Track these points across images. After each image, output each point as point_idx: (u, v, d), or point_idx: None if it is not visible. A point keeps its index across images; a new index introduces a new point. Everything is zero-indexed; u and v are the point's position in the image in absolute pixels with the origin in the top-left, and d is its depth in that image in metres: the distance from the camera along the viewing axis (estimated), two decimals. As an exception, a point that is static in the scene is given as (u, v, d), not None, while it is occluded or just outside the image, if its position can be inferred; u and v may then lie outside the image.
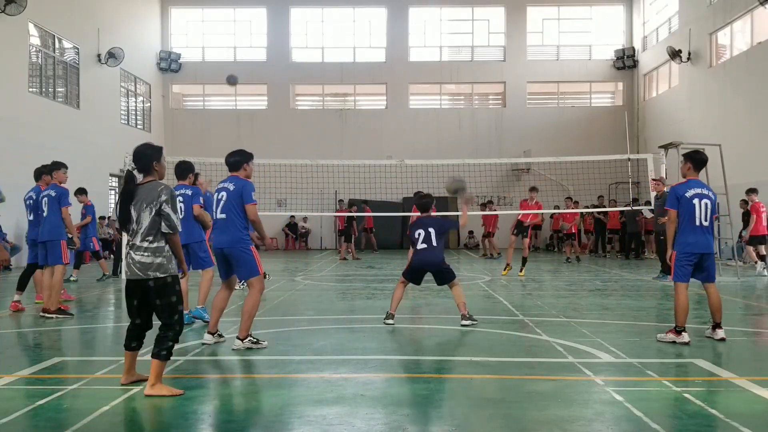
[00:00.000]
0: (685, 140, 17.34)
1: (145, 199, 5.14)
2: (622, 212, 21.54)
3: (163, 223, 5.14)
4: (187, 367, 6.11)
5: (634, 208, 19.20)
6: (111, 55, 23.62)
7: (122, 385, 5.26)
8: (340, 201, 24.91)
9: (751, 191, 16.36)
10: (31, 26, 19.60)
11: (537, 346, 7.00)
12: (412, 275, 8.63)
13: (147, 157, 5.30)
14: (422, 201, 9.02)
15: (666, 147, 15.82)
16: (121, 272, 15.17)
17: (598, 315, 9.26)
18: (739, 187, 18.45)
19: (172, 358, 6.33)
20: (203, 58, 29.99)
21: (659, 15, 27.17)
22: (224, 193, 6.86)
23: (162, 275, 5.11)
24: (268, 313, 9.18)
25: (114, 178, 24.10)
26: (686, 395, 5.02)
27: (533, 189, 15.98)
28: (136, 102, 27.26)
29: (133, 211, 5.16)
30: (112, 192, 23.83)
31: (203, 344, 7.01)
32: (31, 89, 19.72)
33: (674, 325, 7.08)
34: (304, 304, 10.84)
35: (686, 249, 7.09)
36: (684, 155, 7.47)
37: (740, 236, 18.47)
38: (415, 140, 28.02)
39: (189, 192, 8.49)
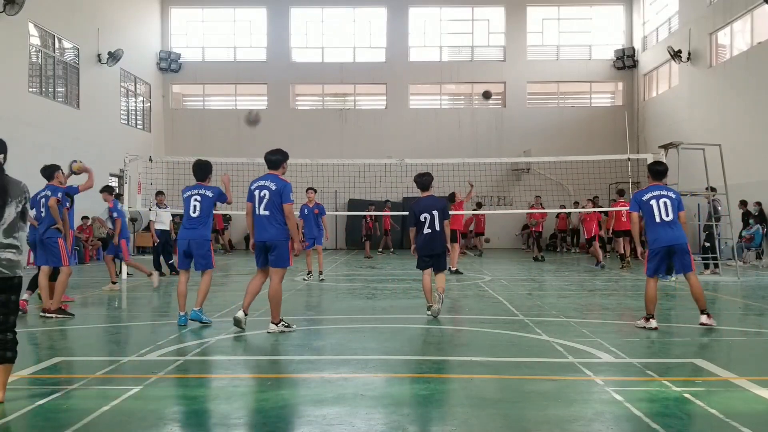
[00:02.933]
0: (685, 140, 17.34)
1: (11, 193, 4.95)
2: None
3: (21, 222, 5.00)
4: (187, 367, 6.11)
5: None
6: (111, 55, 23.63)
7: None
8: (386, 201, 24.05)
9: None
10: (31, 26, 19.60)
11: (537, 346, 7.00)
12: (424, 263, 8.81)
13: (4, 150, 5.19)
14: (423, 179, 8.98)
15: (666, 147, 15.82)
16: (120, 272, 15.15)
17: (598, 315, 9.26)
18: (739, 187, 18.46)
19: (172, 358, 6.36)
20: (203, 58, 29.99)
21: (659, 15, 27.17)
22: (266, 192, 7.50)
23: (22, 274, 4.98)
24: (268, 313, 9.16)
25: (114, 178, 24.09)
26: (686, 395, 5.02)
27: (621, 191, 17.17)
28: (136, 102, 27.26)
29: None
30: (112, 192, 23.81)
31: (235, 319, 7.61)
32: (31, 89, 19.72)
33: (647, 313, 7.86)
34: (304, 304, 10.84)
35: (653, 245, 7.83)
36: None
37: (740, 236, 18.49)
38: (415, 140, 28.01)
39: (209, 193, 8.37)
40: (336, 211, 26.82)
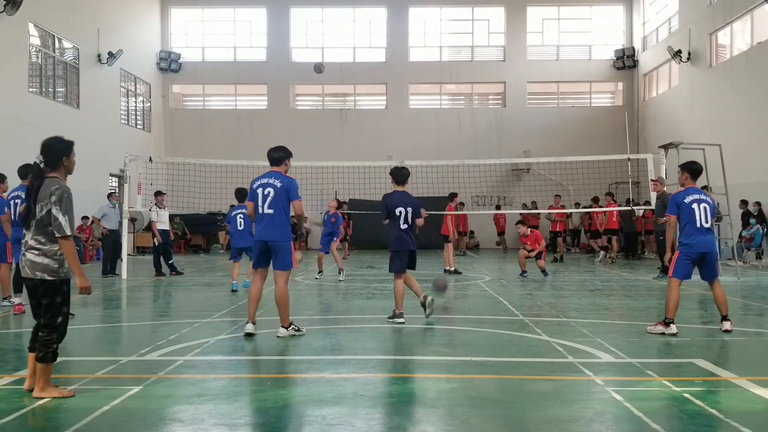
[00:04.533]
0: (685, 140, 17.33)
1: (41, 195, 4.92)
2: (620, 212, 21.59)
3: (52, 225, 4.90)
4: (187, 367, 6.11)
5: (632, 207, 19.21)
6: (111, 55, 23.63)
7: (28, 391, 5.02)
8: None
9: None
10: (31, 26, 19.60)
11: (537, 346, 7.00)
12: (400, 264, 8.50)
13: (57, 152, 5.07)
14: (402, 172, 8.66)
15: (666, 147, 15.82)
16: (120, 271, 15.17)
17: (598, 315, 9.26)
18: (739, 187, 18.46)
19: (172, 358, 6.36)
20: (203, 58, 29.99)
21: (659, 15, 27.17)
22: (271, 189, 7.24)
23: (48, 277, 4.91)
24: (268, 314, 9.16)
25: (114, 178, 24.10)
26: (686, 395, 5.02)
27: (610, 194, 18.27)
28: (136, 102, 27.25)
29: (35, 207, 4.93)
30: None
31: (247, 334, 7.33)
32: (31, 89, 19.72)
33: (664, 317, 7.59)
34: (304, 304, 10.83)
35: (688, 249, 7.54)
36: (681, 166, 7.99)
37: (740, 236, 18.48)
38: (415, 140, 28.02)
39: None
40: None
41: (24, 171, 9.80)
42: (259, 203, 7.28)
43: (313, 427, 4.35)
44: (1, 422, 4.40)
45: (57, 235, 4.88)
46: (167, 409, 4.78)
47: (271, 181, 7.29)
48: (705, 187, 15.93)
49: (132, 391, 5.12)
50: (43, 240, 4.91)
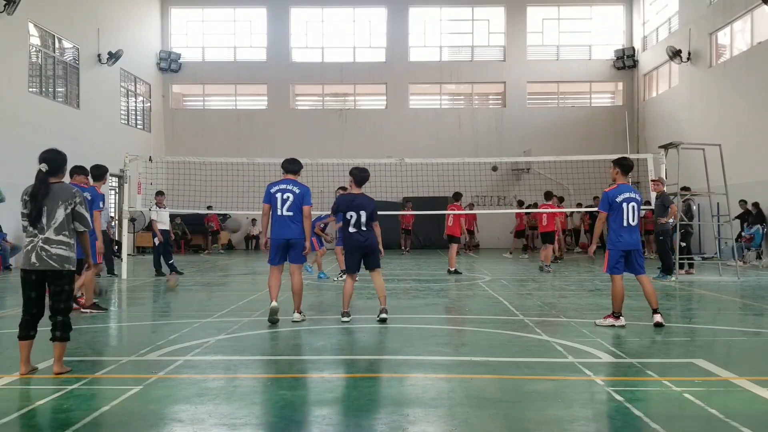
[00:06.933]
0: (685, 140, 17.34)
1: (60, 196, 5.64)
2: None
3: (76, 222, 5.71)
4: (187, 367, 6.11)
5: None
6: (111, 55, 23.63)
7: (22, 375, 5.58)
8: (406, 201, 23.98)
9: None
10: (31, 26, 19.59)
11: (537, 346, 7.00)
12: (351, 263, 8.72)
13: (59, 163, 5.81)
14: (363, 174, 8.71)
15: (666, 147, 15.82)
16: (120, 271, 15.16)
17: (598, 315, 9.24)
18: (739, 187, 18.46)
19: (172, 358, 6.38)
20: (203, 58, 29.99)
21: (659, 15, 27.17)
22: (290, 194, 8.21)
23: (73, 268, 5.73)
24: (266, 314, 9.16)
25: (114, 178, 24.10)
26: (686, 395, 5.02)
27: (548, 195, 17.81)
28: (136, 102, 27.25)
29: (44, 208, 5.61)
30: (113, 192, 23.83)
31: (293, 321, 8.26)
32: (31, 89, 19.71)
33: (612, 311, 8.06)
34: (305, 304, 10.82)
35: (618, 246, 7.98)
36: (613, 161, 8.43)
37: (740, 236, 18.48)
38: (415, 140, 28.01)
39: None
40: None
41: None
42: (278, 206, 8.19)
43: (313, 427, 4.35)
44: (2, 422, 4.40)
45: (83, 229, 5.73)
46: (167, 409, 4.78)
47: (289, 187, 8.25)
48: (686, 188, 15.94)
49: (132, 391, 5.12)
50: (69, 235, 5.65)
